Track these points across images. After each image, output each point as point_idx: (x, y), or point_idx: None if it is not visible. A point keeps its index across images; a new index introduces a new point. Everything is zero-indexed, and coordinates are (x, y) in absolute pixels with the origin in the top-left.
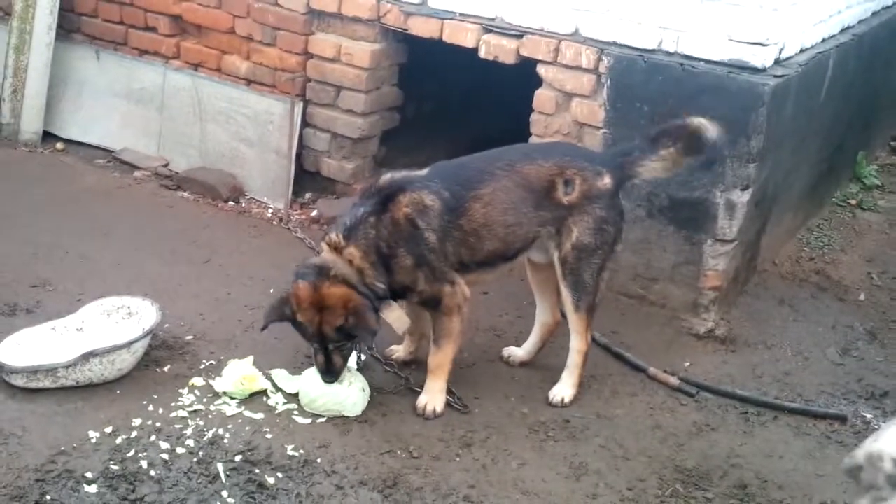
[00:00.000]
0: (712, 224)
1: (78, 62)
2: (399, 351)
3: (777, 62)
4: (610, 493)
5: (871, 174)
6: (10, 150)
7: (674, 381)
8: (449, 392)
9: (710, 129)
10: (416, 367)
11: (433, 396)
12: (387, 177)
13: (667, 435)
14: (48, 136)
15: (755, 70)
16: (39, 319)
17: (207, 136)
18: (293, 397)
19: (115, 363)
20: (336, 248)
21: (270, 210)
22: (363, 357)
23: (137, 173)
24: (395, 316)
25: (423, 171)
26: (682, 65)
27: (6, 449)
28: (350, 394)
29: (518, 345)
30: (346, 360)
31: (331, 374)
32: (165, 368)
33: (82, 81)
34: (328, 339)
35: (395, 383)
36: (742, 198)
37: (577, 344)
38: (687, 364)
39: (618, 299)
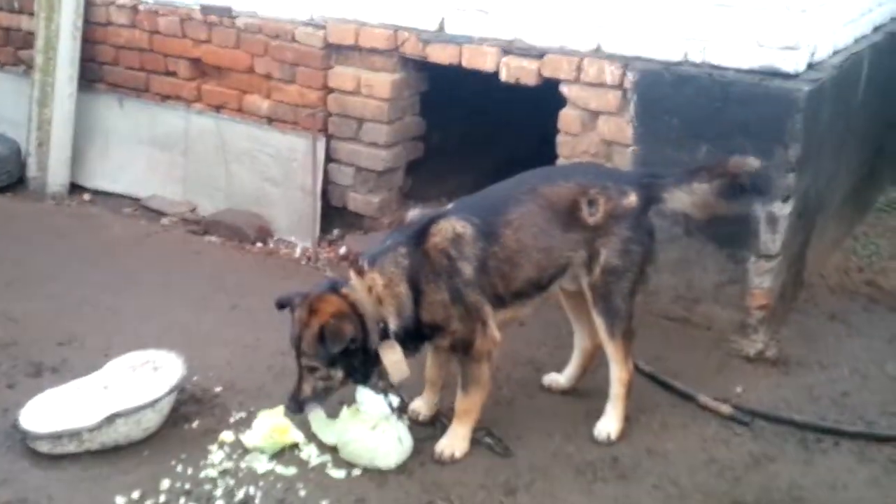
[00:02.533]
0: (754, 240)
1: (102, 111)
2: (422, 409)
3: (810, 66)
4: None
5: None
6: (37, 203)
7: (726, 409)
8: (489, 434)
9: (750, 161)
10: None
11: (454, 441)
12: (415, 211)
13: (723, 468)
14: (75, 188)
15: (787, 76)
16: (65, 378)
17: (232, 178)
18: (327, 448)
19: (141, 423)
20: (359, 273)
21: (298, 249)
22: (395, 401)
23: (165, 220)
24: (394, 359)
25: (449, 206)
26: (710, 74)
27: None
28: (382, 443)
29: None
30: (319, 392)
31: (293, 400)
32: (194, 424)
33: (107, 130)
34: (301, 350)
35: (430, 431)
36: (784, 210)
37: (617, 373)
38: (739, 390)
39: (659, 323)
